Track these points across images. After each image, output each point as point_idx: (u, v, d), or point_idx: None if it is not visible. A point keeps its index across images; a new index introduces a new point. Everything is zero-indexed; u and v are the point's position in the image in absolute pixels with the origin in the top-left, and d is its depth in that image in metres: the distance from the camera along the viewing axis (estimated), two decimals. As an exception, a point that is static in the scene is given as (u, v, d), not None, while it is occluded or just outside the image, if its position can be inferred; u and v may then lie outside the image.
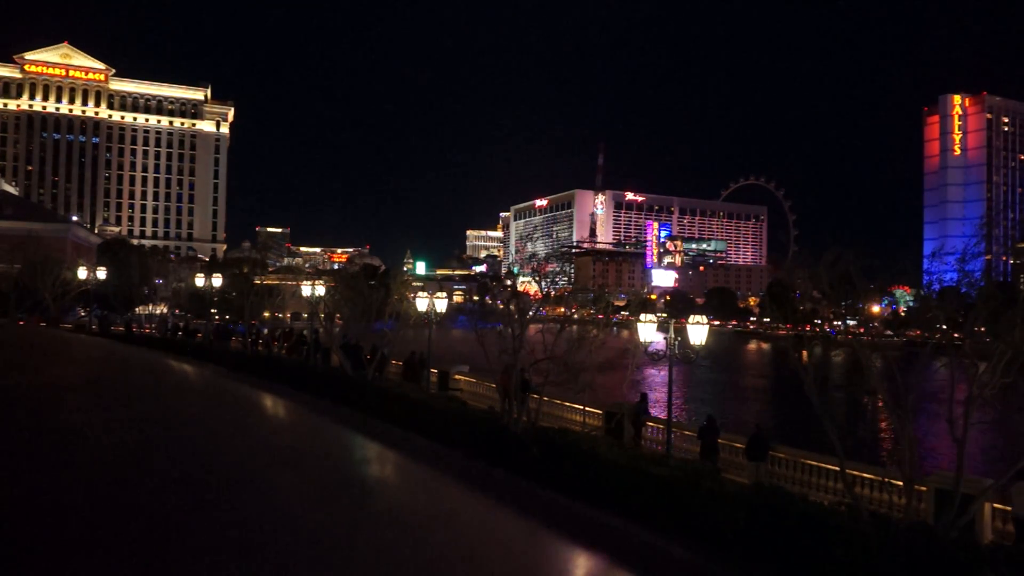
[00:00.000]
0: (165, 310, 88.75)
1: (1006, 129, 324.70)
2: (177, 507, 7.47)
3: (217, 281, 61.80)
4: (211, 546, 6.35)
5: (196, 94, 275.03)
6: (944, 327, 16.75)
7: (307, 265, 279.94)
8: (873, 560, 11.44)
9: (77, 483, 8.42)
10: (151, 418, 13.62)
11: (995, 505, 16.51)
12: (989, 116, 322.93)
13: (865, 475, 19.51)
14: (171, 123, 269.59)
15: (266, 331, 56.13)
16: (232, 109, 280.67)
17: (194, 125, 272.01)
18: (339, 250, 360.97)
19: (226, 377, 31.79)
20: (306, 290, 42.45)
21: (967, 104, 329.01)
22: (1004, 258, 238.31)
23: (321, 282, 44.98)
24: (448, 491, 11.42)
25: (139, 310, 79.60)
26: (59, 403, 14.49)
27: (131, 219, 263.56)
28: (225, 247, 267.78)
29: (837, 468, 18.37)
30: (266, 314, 64.41)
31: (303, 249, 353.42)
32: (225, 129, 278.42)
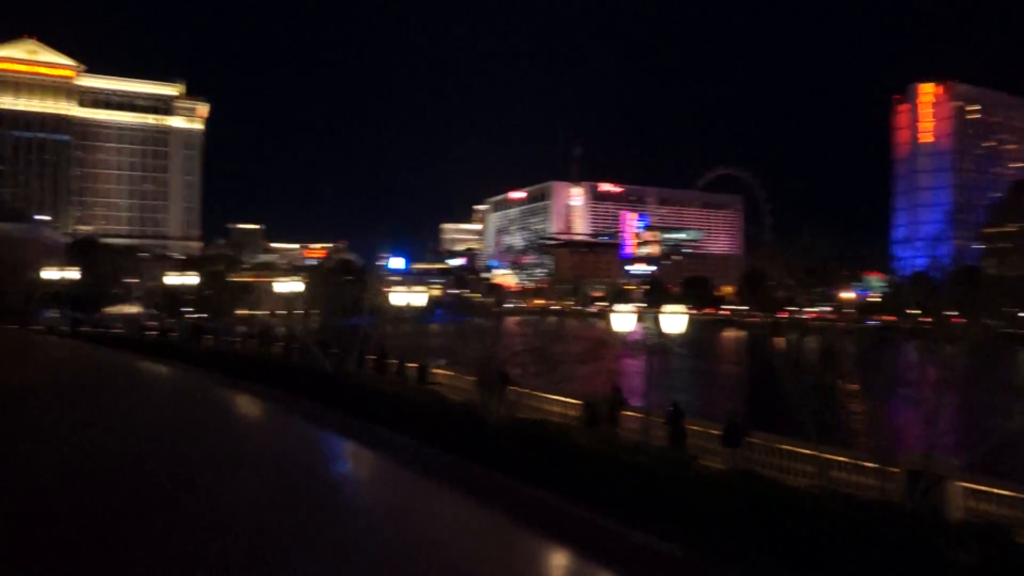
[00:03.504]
0: (138, 310, 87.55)
1: (974, 116, 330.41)
2: (120, 511, 7.28)
3: (191, 279, 61.10)
4: (150, 554, 6.15)
5: (169, 90, 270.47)
6: (914, 311, 17.06)
7: (283, 261, 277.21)
8: (847, 541, 11.65)
9: (13, 484, 8.19)
10: (110, 419, 13.37)
11: (963, 484, 16.87)
12: (957, 104, 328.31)
13: (838, 458, 19.80)
14: (143, 120, 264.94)
15: (242, 328, 55.61)
16: (206, 105, 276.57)
17: (167, 122, 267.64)
18: (315, 246, 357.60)
19: (199, 376, 31.42)
20: (282, 287, 42.09)
21: (935, 92, 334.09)
22: (972, 243, 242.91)
23: (297, 278, 44.64)
24: (418, 486, 11.37)
25: (111, 310, 78.43)
26: (15, 405, 14.19)
27: (102, 218, 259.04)
28: (200, 245, 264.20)
29: (811, 452, 18.64)
30: (242, 311, 63.74)
31: (279, 245, 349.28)
32: (199, 125, 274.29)
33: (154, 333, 58.42)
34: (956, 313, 14.81)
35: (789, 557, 12.36)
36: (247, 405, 21.44)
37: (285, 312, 43.36)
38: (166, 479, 8.83)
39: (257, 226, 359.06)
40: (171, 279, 62.85)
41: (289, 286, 40.52)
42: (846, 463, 19.49)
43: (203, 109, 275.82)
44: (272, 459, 11.53)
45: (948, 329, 14.31)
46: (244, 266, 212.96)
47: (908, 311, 16.53)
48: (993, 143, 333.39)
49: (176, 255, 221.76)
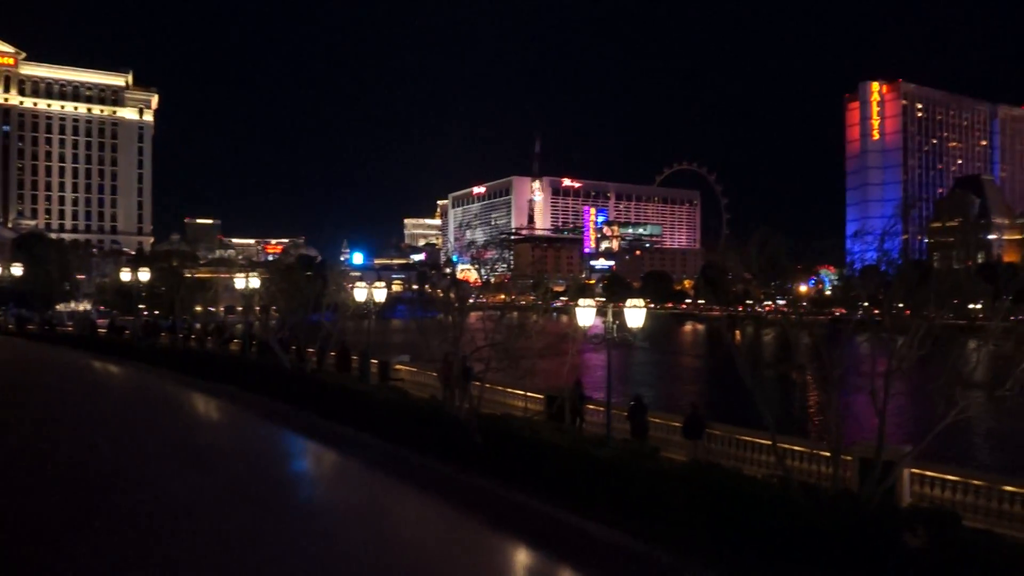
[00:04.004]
0: (88, 306, 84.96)
1: (920, 115, 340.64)
2: (58, 509, 7.09)
3: (144, 275, 59.42)
4: (87, 552, 6.00)
5: (116, 80, 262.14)
6: (865, 304, 17.54)
7: (240, 257, 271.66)
8: (803, 527, 11.97)
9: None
10: (55, 418, 12.99)
11: (913, 471, 17.46)
12: (905, 103, 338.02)
13: (795, 448, 20.31)
14: (89, 110, 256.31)
15: (198, 326, 54.40)
16: (156, 96, 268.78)
17: (115, 112, 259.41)
18: (274, 241, 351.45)
19: (152, 375, 30.67)
20: (239, 283, 41.27)
21: (884, 91, 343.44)
22: (920, 237, 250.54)
23: (255, 274, 43.81)
24: (378, 484, 11.28)
25: (60, 307, 75.97)
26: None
27: (48, 212, 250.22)
28: (152, 240, 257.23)
29: (769, 442, 19.08)
30: (198, 308, 62.32)
31: (236, 241, 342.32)
32: (149, 117, 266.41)
33: (106, 331, 56.79)
34: (905, 305, 15.29)
35: (749, 545, 12.64)
36: (202, 404, 21.01)
37: (243, 309, 42.56)
38: (110, 482, 8.58)
39: (213, 221, 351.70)
40: (124, 275, 60.97)
41: (248, 282, 39.75)
42: (803, 452, 20.01)
43: (153, 100, 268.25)
44: (224, 458, 11.30)
45: (898, 321, 14.75)
46: (200, 262, 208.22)
47: (860, 304, 16.99)
48: (937, 141, 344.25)
49: (128, 250, 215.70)
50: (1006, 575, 9.70)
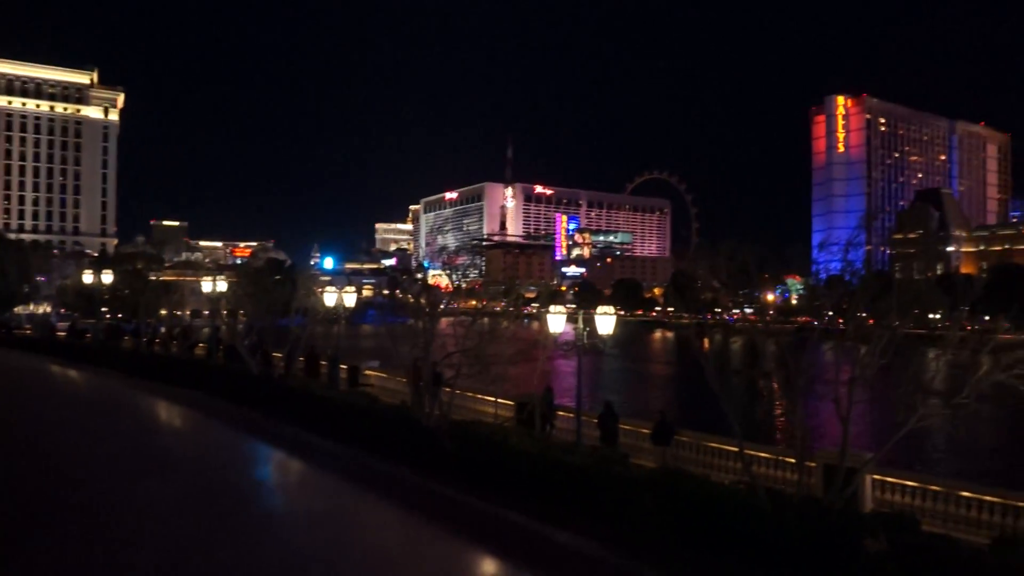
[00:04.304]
0: (48, 309, 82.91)
1: (883, 129, 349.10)
2: (4, 515, 6.92)
3: (108, 277, 58.16)
4: (36, 556, 5.88)
5: (81, 78, 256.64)
6: (830, 313, 17.91)
7: (207, 260, 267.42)
8: (769, 532, 12.16)
9: None
10: (6, 422, 12.65)
11: (875, 477, 17.84)
12: (868, 117, 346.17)
13: (761, 454, 20.63)
14: (52, 108, 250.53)
15: (163, 330, 53.43)
16: (122, 95, 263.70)
17: (79, 111, 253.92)
18: (242, 244, 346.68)
19: (114, 380, 30.00)
20: (206, 286, 40.64)
21: (849, 105, 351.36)
22: (883, 248, 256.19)
23: (223, 277, 43.20)
24: (339, 490, 11.17)
25: (19, 310, 74.02)
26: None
27: (8, 212, 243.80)
28: (116, 241, 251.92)
29: (736, 449, 19.35)
30: (163, 312, 61.23)
31: (203, 243, 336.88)
32: (115, 116, 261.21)
33: (65, 334, 55.45)
34: (868, 315, 15.65)
35: (717, 551, 12.80)
36: (164, 410, 20.61)
37: (210, 313, 41.92)
38: (60, 488, 8.36)
39: (180, 223, 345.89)
40: (86, 277, 59.64)
41: (215, 285, 39.16)
42: (769, 459, 20.32)
43: (119, 99, 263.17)
44: (184, 465, 11.10)
45: (861, 330, 15.09)
46: (166, 264, 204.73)
47: (825, 312, 17.35)
48: (899, 154, 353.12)
49: (91, 252, 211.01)
50: (962, 578, 9.97)
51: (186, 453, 13.03)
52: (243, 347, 32.84)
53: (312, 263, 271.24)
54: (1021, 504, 16.29)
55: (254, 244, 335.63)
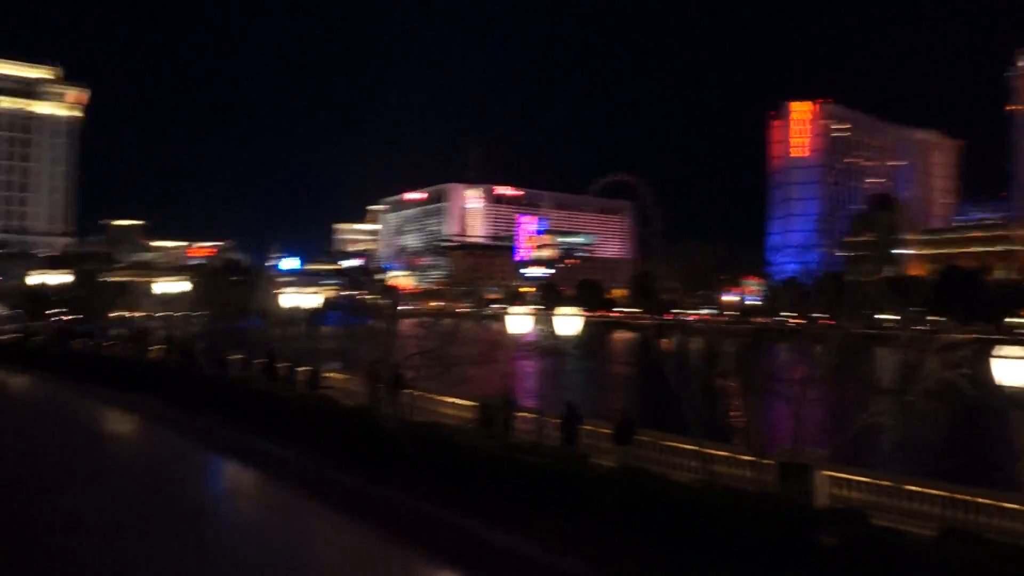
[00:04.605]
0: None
1: (837, 134, 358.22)
2: None
3: (60, 278, 56.50)
4: None
5: (37, 73, 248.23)
6: (786, 314, 18.31)
7: (165, 260, 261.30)
8: (727, 530, 12.39)
9: None
10: None
11: (828, 473, 18.30)
12: (824, 122, 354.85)
13: (719, 453, 20.95)
14: (3, 103, 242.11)
15: (116, 331, 52.07)
16: (84, 92, 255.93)
17: (31, 107, 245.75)
18: (201, 244, 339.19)
19: (62, 383, 29.13)
20: (164, 287, 39.76)
21: (805, 110, 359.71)
22: (836, 251, 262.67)
23: (181, 278, 42.34)
24: (292, 497, 10.99)
25: (-36, 312, 71.34)
26: None
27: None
28: (70, 241, 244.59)
29: (695, 448, 19.64)
30: (118, 313, 59.63)
31: (162, 243, 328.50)
32: (78, 113, 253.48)
33: (14, 336, 53.66)
34: (823, 315, 16.06)
35: (677, 548, 12.99)
36: (114, 414, 20.03)
37: (167, 314, 40.96)
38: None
39: (137, 222, 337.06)
40: (36, 277, 57.79)
41: (172, 286, 38.30)
42: (726, 457, 20.67)
43: (79, 95, 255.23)
44: (130, 472, 10.82)
45: (816, 330, 15.47)
46: (121, 264, 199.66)
47: (782, 313, 17.77)
48: (854, 160, 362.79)
49: (43, 252, 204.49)
50: (907, 568, 10.30)
51: (135, 459, 12.71)
52: (199, 349, 32.22)
53: (272, 264, 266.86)
54: (965, 497, 16.89)
55: (213, 244, 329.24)
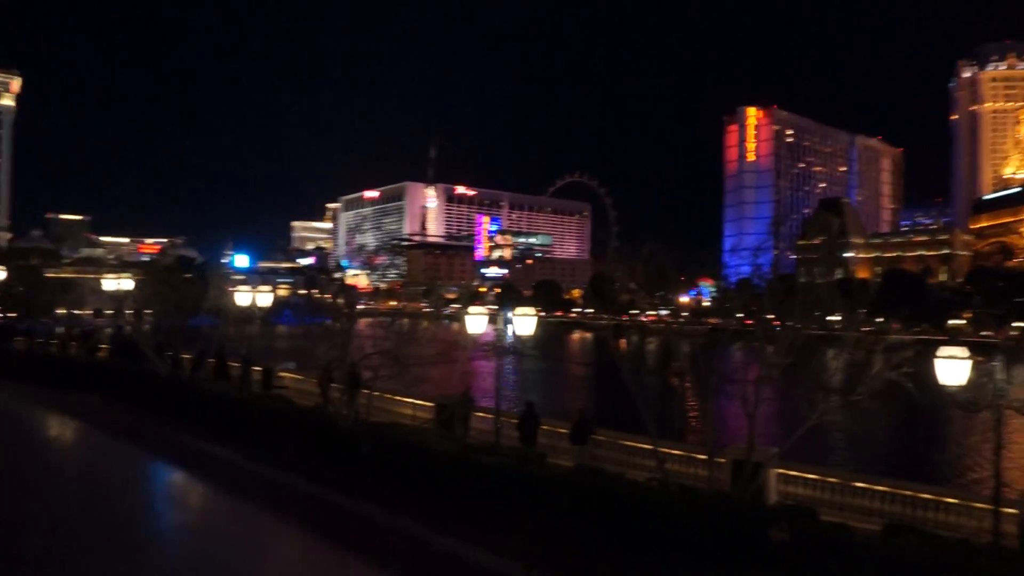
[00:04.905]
0: (-71, 308, 76.54)
1: (790, 140, 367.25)
2: None
3: (-3, 274, 54.30)
4: None
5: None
6: (740, 315, 18.66)
7: (112, 257, 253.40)
8: (681, 527, 12.57)
9: None
10: None
11: (779, 471, 18.72)
12: (777, 128, 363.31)
13: (674, 452, 21.24)
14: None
15: (60, 330, 50.31)
16: (19, 80, 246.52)
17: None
18: (150, 241, 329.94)
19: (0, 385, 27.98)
20: (109, 284, 38.48)
21: (759, 116, 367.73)
22: (788, 253, 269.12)
23: (128, 275, 41.03)
24: (244, 506, 10.75)
25: None
26: None
27: None
28: (10, 236, 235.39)
29: (651, 447, 19.89)
30: (62, 311, 57.58)
31: (109, 239, 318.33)
32: (9, 101, 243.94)
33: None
34: (775, 316, 16.41)
35: (633, 546, 13.12)
36: (55, 418, 19.28)
37: (113, 312, 39.75)
38: None
39: (81, 217, 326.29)
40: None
41: (118, 283, 37.10)
42: (681, 456, 20.97)
43: (14, 83, 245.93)
44: (69, 481, 10.42)
45: (768, 331, 15.80)
46: (65, 260, 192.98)
47: (735, 314, 18.08)
48: (804, 165, 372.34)
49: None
50: (854, 562, 10.61)
51: (76, 465, 12.26)
52: (149, 348, 31.32)
53: (225, 261, 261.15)
54: (908, 493, 17.47)
55: (163, 241, 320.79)
